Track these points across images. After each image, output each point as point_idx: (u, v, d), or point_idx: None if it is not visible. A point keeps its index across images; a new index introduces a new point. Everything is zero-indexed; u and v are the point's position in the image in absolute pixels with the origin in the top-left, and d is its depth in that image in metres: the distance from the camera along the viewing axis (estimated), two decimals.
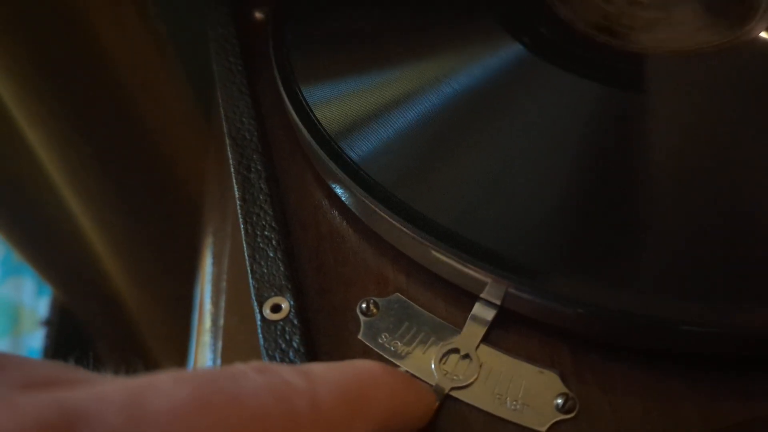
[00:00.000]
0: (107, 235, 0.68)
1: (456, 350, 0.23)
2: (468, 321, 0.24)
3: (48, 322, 0.76)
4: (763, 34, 0.30)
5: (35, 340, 0.76)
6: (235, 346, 0.34)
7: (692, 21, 0.31)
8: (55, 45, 0.50)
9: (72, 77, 0.53)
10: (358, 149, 0.27)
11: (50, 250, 0.74)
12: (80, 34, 0.50)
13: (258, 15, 0.35)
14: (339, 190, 0.27)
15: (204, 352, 0.37)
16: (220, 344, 0.35)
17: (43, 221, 0.71)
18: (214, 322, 0.37)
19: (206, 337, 0.37)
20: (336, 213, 0.28)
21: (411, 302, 0.25)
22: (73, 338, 0.80)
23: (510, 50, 0.30)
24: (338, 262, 0.26)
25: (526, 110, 0.28)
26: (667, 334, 0.22)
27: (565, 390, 0.23)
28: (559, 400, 0.22)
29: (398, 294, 0.25)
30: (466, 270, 0.24)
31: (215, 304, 0.37)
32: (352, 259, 0.26)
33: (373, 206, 0.25)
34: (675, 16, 0.32)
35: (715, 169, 0.25)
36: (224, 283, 0.37)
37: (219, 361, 0.34)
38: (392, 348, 0.24)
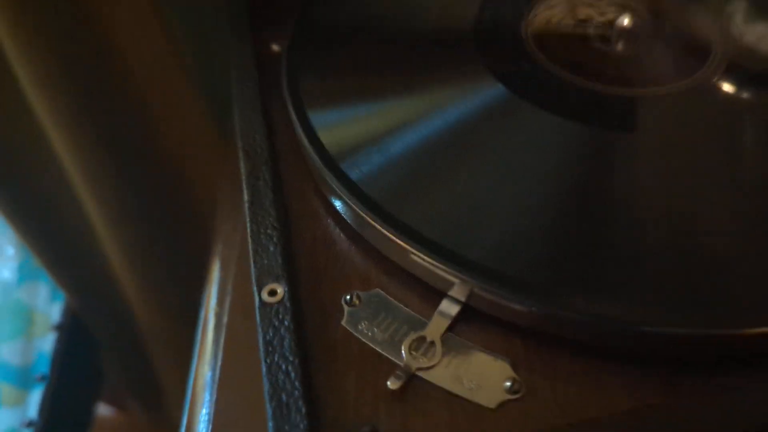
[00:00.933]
0: (121, 245, 0.72)
1: (424, 338, 0.27)
2: (435, 314, 0.28)
3: (59, 327, 0.80)
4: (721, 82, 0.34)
5: (46, 343, 0.79)
6: (237, 339, 0.38)
7: (659, 64, 0.36)
8: (81, 59, 0.55)
9: (97, 90, 0.58)
10: (353, 167, 0.31)
11: (66, 258, 0.78)
12: (108, 52, 0.55)
13: (275, 47, 0.40)
14: (335, 201, 0.31)
15: (207, 347, 0.41)
16: (222, 339, 0.39)
17: (63, 231, 0.76)
18: (219, 320, 0.41)
19: (210, 335, 0.40)
20: (330, 220, 0.32)
21: (389, 297, 0.29)
22: (82, 343, 0.84)
23: (492, 89, 0.34)
24: (329, 261, 0.30)
25: (500, 143, 0.32)
26: (598, 330, 0.26)
27: (513, 375, 0.26)
28: (508, 383, 0.26)
29: (378, 289, 0.29)
30: (436, 271, 0.28)
31: (221, 304, 0.41)
32: (341, 259, 0.31)
33: (362, 214, 0.29)
34: (645, 60, 0.36)
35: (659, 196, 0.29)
36: (230, 287, 0.41)
37: (221, 354, 0.38)
38: (370, 333, 0.28)
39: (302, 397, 0.25)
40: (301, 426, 0.24)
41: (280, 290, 0.27)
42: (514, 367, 0.27)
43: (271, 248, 0.29)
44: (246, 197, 0.30)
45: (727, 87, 0.34)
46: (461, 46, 0.37)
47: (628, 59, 0.36)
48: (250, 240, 0.29)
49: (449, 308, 0.28)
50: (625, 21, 0.36)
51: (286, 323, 0.26)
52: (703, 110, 0.34)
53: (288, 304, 0.27)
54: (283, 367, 0.25)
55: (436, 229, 0.28)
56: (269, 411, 0.24)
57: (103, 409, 1.00)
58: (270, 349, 0.26)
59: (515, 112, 0.33)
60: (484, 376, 0.27)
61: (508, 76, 0.35)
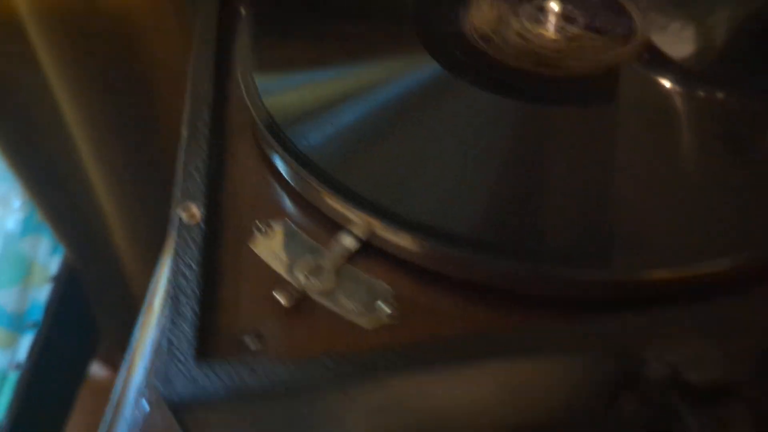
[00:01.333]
0: (119, 200, 0.76)
1: (321, 266, 0.31)
2: (333, 244, 0.31)
3: (56, 279, 0.84)
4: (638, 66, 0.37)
5: (42, 293, 0.83)
6: None
7: (590, 44, 0.39)
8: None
9: (103, 58, 0.62)
10: (285, 113, 0.34)
11: (68, 214, 0.82)
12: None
13: (243, 10, 0.43)
14: (268, 151, 0.35)
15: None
16: None
17: (68, 189, 0.80)
18: None
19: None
20: (261, 164, 0.35)
21: (297, 228, 0.32)
22: (78, 297, 0.88)
23: (428, 68, 0.37)
24: (249, 197, 0.34)
25: (424, 115, 0.35)
26: (469, 267, 0.29)
27: (393, 302, 0.30)
28: (389, 310, 0.29)
29: (287, 219, 0.32)
30: (341, 209, 0.31)
31: None
32: (261, 196, 0.34)
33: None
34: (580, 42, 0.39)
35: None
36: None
37: None
38: (274, 257, 0.31)
39: (198, 302, 0.28)
40: (192, 324, 0.27)
41: (198, 213, 0.31)
42: (396, 296, 0.30)
43: (198, 178, 0.32)
44: (184, 134, 0.34)
45: (643, 71, 0.37)
46: (403, 25, 0.40)
47: (556, 42, 0.39)
48: (181, 170, 0.33)
49: (348, 242, 0.31)
50: (555, 7, 0.39)
51: (198, 240, 0.30)
52: (616, 89, 0.36)
53: (202, 226, 0.30)
54: (186, 273, 0.28)
55: (341, 170, 0.32)
56: (167, 310, 0.28)
57: (98, 369, 1.04)
58: (178, 257, 0.29)
59: (440, 84, 0.36)
60: (367, 302, 0.30)
61: (443, 55, 0.38)
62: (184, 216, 0.31)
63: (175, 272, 0.28)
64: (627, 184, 0.32)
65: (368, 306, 0.29)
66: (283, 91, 0.36)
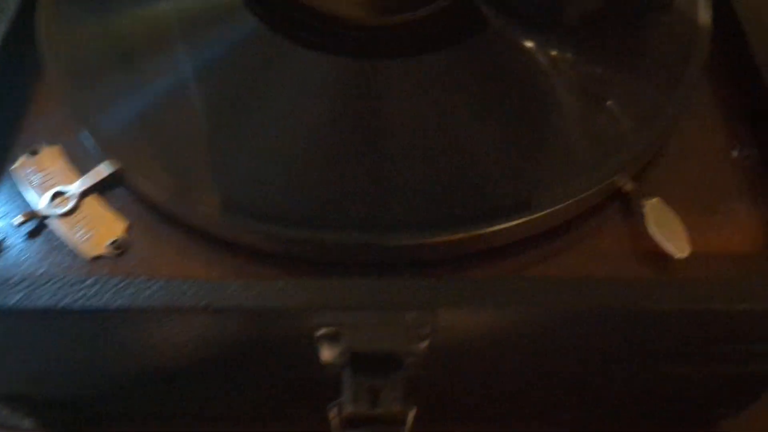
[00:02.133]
0: None
1: (63, 192, 0.32)
2: (82, 177, 0.32)
3: None
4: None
5: None
6: None
7: None
8: None
9: None
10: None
11: None
12: None
13: None
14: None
15: None
16: None
17: None
18: None
19: None
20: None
21: (60, 156, 0.33)
22: None
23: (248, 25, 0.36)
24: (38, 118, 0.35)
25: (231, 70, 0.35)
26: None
27: (121, 236, 0.31)
28: (114, 242, 0.31)
29: (48, 146, 0.33)
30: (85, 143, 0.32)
31: None
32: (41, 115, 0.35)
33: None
34: None
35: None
36: None
37: None
38: (28, 180, 0.32)
39: None
40: None
41: None
42: (128, 231, 0.31)
43: None
44: None
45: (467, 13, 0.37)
46: None
47: None
48: None
49: (96, 174, 0.32)
50: None
51: None
52: (442, 33, 0.36)
53: None
54: None
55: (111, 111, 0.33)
56: None
57: None
58: None
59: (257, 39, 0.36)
60: (98, 233, 0.31)
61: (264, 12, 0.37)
62: None
63: None
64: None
65: (97, 235, 0.31)
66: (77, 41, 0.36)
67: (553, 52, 0.36)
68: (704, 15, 0.36)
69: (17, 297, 0.28)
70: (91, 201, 0.32)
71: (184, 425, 0.40)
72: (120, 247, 0.31)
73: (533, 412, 0.40)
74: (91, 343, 0.31)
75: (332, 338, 0.27)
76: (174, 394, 0.37)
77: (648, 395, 0.37)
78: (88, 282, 0.28)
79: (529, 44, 0.36)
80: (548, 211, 0.30)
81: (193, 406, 0.39)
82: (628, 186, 0.32)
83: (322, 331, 0.27)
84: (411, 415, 0.28)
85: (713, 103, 0.36)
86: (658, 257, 0.30)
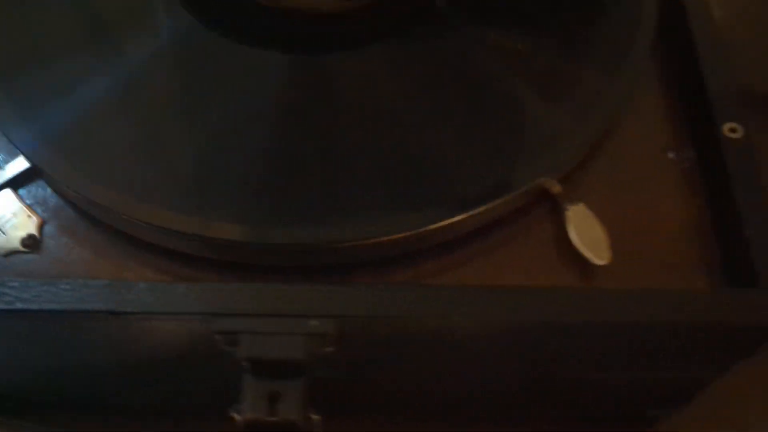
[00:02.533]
0: None
1: None
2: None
3: None
4: None
5: None
6: None
7: None
8: None
9: None
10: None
11: None
12: None
13: None
14: None
15: None
16: None
17: None
18: None
19: None
20: None
21: None
22: None
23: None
24: None
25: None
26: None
27: (35, 234, 0.30)
28: (27, 239, 0.30)
29: None
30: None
31: None
32: None
33: None
34: None
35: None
36: None
37: None
38: None
39: None
40: None
41: None
42: (42, 227, 0.31)
43: None
44: None
45: None
46: None
47: None
48: None
49: (12, 169, 0.32)
50: None
51: None
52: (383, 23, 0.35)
53: None
54: None
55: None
56: None
57: None
58: None
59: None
60: (12, 228, 0.31)
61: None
62: None
63: None
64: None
65: (9, 232, 0.30)
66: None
67: (495, 41, 0.34)
68: (649, 7, 0.35)
69: None
70: (6, 195, 0.32)
71: (116, 424, 0.40)
72: (33, 244, 0.30)
73: (456, 413, 0.39)
74: (8, 340, 0.31)
75: (231, 344, 0.27)
76: (96, 388, 0.37)
77: (575, 398, 0.37)
78: None
79: (472, 31, 0.35)
80: (468, 214, 0.29)
81: (117, 401, 0.39)
82: (556, 188, 0.31)
83: (221, 337, 0.27)
84: (316, 421, 0.28)
85: (654, 102, 0.35)
86: (583, 264, 0.30)
